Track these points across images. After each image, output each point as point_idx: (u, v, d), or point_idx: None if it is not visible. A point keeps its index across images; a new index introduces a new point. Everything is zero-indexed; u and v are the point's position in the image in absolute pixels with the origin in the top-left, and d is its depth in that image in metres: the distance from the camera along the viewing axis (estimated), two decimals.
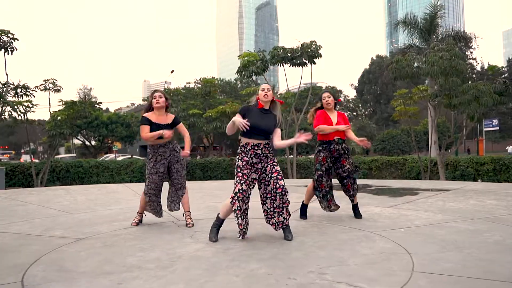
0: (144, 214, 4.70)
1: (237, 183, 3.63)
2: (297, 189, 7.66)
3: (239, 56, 17.61)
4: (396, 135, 26.50)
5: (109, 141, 26.33)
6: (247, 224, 3.71)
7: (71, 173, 18.62)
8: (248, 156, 3.68)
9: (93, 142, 28.00)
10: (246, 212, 3.68)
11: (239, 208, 3.55)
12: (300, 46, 16.79)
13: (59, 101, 17.25)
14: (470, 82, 14.73)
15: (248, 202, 3.68)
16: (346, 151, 4.57)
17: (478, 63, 50.19)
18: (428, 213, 4.90)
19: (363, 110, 61.09)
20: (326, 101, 4.59)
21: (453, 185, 8.44)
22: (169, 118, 4.43)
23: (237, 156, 3.75)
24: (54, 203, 6.57)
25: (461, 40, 22.81)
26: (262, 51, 17.88)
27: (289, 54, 16.64)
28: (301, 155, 28.03)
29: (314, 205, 5.59)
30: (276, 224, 3.74)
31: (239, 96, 22.84)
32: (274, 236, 3.79)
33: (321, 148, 4.54)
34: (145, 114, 4.39)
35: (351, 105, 52.21)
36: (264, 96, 3.79)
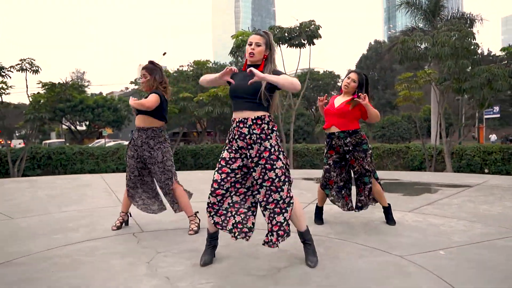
0: (129, 214, 3.85)
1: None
2: (297, 184, 6.59)
3: (232, 35, 16.33)
4: (397, 122, 25.46)
5: (96, 126, 25.01)
6: (244, 223, 2.66)
7: (53, 160, 17.38)
8: (231, 136, 2.64)
9: (81, 127, 26.70)
10: (228, 210, 2.66)
11: (209, 204, 2.62)
12: (299, 25, 15.58)
13: (38, 83, 15.95)
14: (479, 65, 13.62)
15: (229, 196, 2.65)
16: (352, 147, 3.54)
17: (479, 49, 48.99)
18: (463, 221, 3.84)
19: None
20: (347, 82, 3.63)
21: (470, 179, 7.42)
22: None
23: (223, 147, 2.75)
24: (3, 201, 5.46)
25: (466, 22, 21.63)
26: (258, 31, 16.60)
27: (286, 34, 15.42)
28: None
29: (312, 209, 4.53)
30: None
31: None
32: (264, 260, 2.72)
33: (327, 140, 3.70)
34: None
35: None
36: (249, 54, 2.64)
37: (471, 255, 2.80)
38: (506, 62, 13.44)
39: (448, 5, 26.47)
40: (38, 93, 15.27)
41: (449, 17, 21.25)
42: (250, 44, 2.66)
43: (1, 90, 13.98)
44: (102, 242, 3.32)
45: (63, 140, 33.70)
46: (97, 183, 7.28)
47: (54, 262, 2.79)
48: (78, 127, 26.46)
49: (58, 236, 3.52)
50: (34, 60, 14.35)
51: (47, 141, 35.70)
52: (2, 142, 44.98)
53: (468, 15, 21.81)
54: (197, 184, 7.09)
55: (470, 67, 12.52)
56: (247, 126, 2.55)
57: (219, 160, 2.69)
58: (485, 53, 44.07)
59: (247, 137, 2.56)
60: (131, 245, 3.20)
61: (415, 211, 4.36)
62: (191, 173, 9.83)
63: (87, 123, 24.74)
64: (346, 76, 3.71)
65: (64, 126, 27.91)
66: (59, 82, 15.02)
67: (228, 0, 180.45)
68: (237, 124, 2.59)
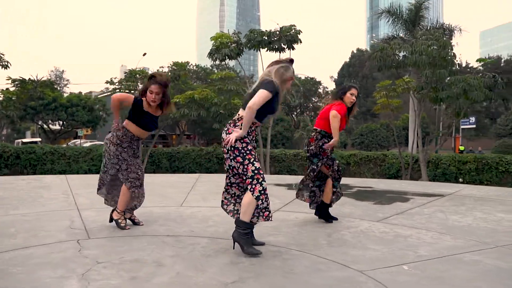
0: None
1: (249, 164, 2.89)
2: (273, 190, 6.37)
3: (211, 37, 16.07)
4: (375, 129, 25.62)
5: (69, 126, 24.15)
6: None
7: (22, 160, 16.66)
8: (250, 139, 3.01)
9: (54, 127, 25.80)
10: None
11: (264, 190, 2.91)
12: (279, 29, 15.45)
13: (8, 79, 15.35)
14: (456, 75, 13.75)
15: None
16: None
17: (457, 61, 49.89)
18: (432, 233, 3.68)
19: None
20: (353, 100, 4.07)
21: (443, 188, 7.34)
22: (158, 110, 3.78)
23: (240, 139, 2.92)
24: None
25: (445, 33, 21.96)
26: (237, 33, 16.42)
27: (266, 38, 15.27)
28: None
29: (281, 216, 4.30)
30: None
31: (213, 82, 21.35)
32: (213, 274, 2.47)
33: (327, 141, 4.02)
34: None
35: (329, 97, 51.38)
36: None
37: (435, 271, 2.61)
38: (481, 74, 13.65)
39: (429, 16, 26.94)
40: (7, 89, 14.68)
41: (428, 27, 21.55)
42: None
43: None
44: (39, 249, 3.00)
45: (39, 139, 32.64)
46: (58, 185, 6.88)
47: None
48: (52, 127, 25.58)
49: None
50: (3, 54, 13.81)
51: (20, 140, 34.56)
52: None
53: (447, 26, 22.18)
54: (162, 187, 6.78)
55: (448, 77, 12.62)
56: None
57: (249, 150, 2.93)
58: (463, 65, 45.03)
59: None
60: (70, 254, 2.89)
61: (384, 221, 4.18)
62: (159, 176, 9.51)
63: (62, 122, 23.95)
64: (349, 92, 4.02)
65: (37, 126, 27.00)
66: (29, 79, 14.45)
67: (214, 2, 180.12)
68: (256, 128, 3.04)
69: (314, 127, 4.11)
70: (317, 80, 43.59)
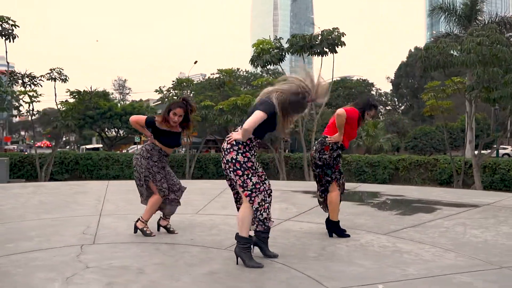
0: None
1: (248, 179, 2.96)
2: (298, 198, 6.35)
3: (253, 44, 16.31)
4: (430, 132, 24.31)
5: (124, 133, 25.71)
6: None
7: (80, 165, 18.04)
8: (251, 154, 3.06)
9: (111, 134, 27.70)
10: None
11: (263, 201, 2.98)
12: (320, 33, 15.28)
13: (67, 91, 16.71)
14: None
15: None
16: None
17: None
18: (436, 249, 3.47)
19: (399, 105, 58.05)
20: (368, 120, 4.11)
21: (486, 198, 6.82)
22: (178, 127, 4.00)
23: (237, 152, 2.97)
24: None
25: (506, 27, 20.28)
26: (279, 39, 16.49)
27: (308, 42, 15.17)
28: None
29: (287, 226, 4.28)
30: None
31: (259, 87, 21.50)
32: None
33: (340, 152, 3.93)
34: (156, 119, 3.92)
35: (383, 98, 49.50)
36: None
37: None
38: None
39: (491, 9, 25.06)
40: (66, 101, 15.98)
41: (486, 22, 20.07)
42: None
43: (33, 98, 14.78)
44: (45, 253, 3.28)
45: (101, 145, 34.99)
46: (96, 191, 7.36)
47: None
48: (110, 134, 27.40)
49: (10, 245, 3.52)
50: (62, 69, 15.07)
51: (85, 146, 37.28)
52: (49, 145, 47.67)
53: (508, 19, 20.48)
54: (196, 194, 6.98)
55: (505, 75, 11.66)
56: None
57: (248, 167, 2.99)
58: None
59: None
60: (69, 258, 3.13)
61: (391, 234, 4.01)
62: (200, 182, 9.79)
63: (117, 130, 25.57)
64: (367, 112, 3.97)
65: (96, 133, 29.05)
66: (84, 90, 15.66)
67: (268, 6, 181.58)
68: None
69: (323, 134, 3.95)
70: (370, 81, 42.27)
